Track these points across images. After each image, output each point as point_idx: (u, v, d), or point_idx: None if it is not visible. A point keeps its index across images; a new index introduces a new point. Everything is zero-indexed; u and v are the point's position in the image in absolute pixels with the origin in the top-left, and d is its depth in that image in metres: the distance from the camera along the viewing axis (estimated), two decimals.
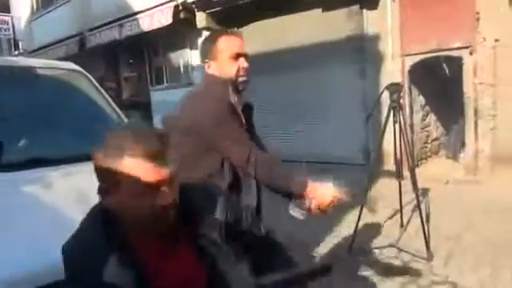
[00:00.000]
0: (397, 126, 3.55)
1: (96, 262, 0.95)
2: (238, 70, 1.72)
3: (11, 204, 1.70)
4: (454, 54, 5.94)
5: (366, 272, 3.28)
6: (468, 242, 3.76)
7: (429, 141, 7.24)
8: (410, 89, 6.56)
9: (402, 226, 4.06)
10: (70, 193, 1.92)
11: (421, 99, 6.88)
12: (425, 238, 3.47)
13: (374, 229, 4.17)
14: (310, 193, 1.55)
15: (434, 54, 6.11)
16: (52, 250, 1.40)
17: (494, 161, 5.76)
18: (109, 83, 11.41)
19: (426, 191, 5.15)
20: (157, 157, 0.94)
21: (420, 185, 5.13)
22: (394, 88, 3.46)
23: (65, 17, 12.60)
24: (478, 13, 5.62)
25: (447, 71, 6.18)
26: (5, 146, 2.14)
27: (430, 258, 3.39)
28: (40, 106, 2.43)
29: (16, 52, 15.02)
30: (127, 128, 1.07)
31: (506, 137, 5.65)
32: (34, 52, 13.75)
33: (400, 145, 3.65)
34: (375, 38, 6.72)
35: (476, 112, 5.87)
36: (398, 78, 5.95)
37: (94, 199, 1.88)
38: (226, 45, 1.73)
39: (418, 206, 3.58)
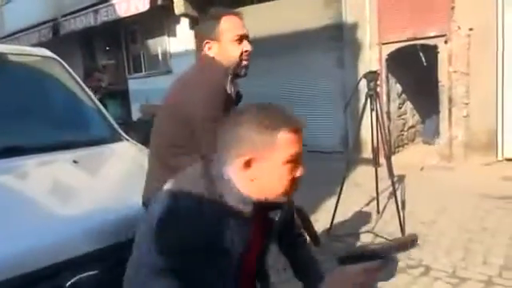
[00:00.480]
0: (374, 113, 3.60)
1: (211, 227, 0.99)
2: (242, 54, 1.62)
3: None
4: (430, 42, 6.04)
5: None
6: (442, 226, 3.87)
7: (405, 128, 7.38)
8: (387, 77, 6.65)
9: (378, 212, 4.15)
10: (45, 181, 1.89)
11: (397, 87, 6.99)
12: (400, 223, 3.56)
13: (351, 215, 4.25)
14: None
15: (411, 43, 6.20)
16: (23, 240, 1.39)
17: (467, 148, 5.92)
18: (98, 74, 11.12)
19: (401, 178, 5.26)
20: (299, 132, 1.06)
21: (396, 171, 5.23)
22: (371, 76, 3.50)
23: (37, 1, 12.18)
24: (453, 1, 5.71)
25: (423, 60, 6.29)
26: None
27: None
28: (13, 93, 2.37)
29: None
30: (275, 107, 1.10)
31: (478, 124, 5.82)
32: (4, 38, 13.28)
33: (377, 132, 3.71)
34: (353, 27, 6.76)
35: (450, 100, 6.01)
36: (375, 67, 6.02)
37: (70, 187, 1.87)
38: (230, 25, 1.62)
39: (394, 192, 3.66)
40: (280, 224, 1.19)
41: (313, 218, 4.39)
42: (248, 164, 1.03)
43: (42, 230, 1.47)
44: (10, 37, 13.11)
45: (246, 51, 1.63)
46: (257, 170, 1.03)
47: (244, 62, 1.64)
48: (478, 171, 5.44)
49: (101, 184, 1.94)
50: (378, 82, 3.56)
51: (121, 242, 1.52)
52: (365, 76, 3.55)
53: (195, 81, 1.60)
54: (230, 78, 1.63)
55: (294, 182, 1.07)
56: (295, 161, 1.05)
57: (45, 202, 1.71)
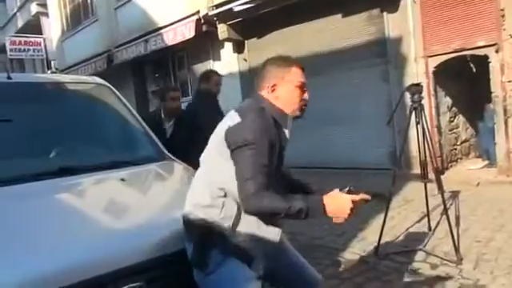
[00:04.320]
0: (419, 127, 3.50)
1: None
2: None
3: (43, 209, 1.80)
4: (479, 52, 5.81)
5: (409, 278, 3.20)
6: (500, 244, 3.64)
7: (458, 142, 7.07)
8: (435, 90, 6.45)
9: (429, 229, 3.98)
10: (96, 198, 2.02)
11: (447, 100, 6.75)
12: (453, 240, 3.38)
13: (402, 233, 4.10)
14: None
15: (458, 54, 6.00)
16: (77, 252, 1.49)
17: None
18: (173, 93, 11.58)
19: (456, 194, 5.03)
20: (303, 69, 1.73)
21: (451, 187, 4.99)
22: (415, 89, 3.42)
23: (93, 35, 13.08)
24: (502, 9, 5.49)
25: (474, 70, 6.04)
26: (38, 155, 2.27)
27: (459, 261, 3.31)
28: (68, 117, 2.56)
29: (49, 71, 15.65)
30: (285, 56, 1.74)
31: None
32: (65, 70, 14.30)
33: (424, 146, 3.59)
34: (397, 41, 6.66)
35: (505, 111, 5.71)
36: (422, 80, 5.86)
37: (117, 203, 1.98)
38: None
39: (444, 207, 3.50)
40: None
41: (360, 236, 4.28)
42: (273, 88, 1.66)
43: (95, 242, 1.58)
44: (70, 69, 14.10)
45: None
46: (279, 91, 1.66)
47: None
48: None
49: (143, 199, 2.05)
50: (422, 95, 3.46)
51: (166, 254, 1.61)
52: (408, 89, 3.48)
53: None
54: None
55: (304, 103, 1.71)
56: (302, 87, 1.69)
57: (97, 216, 1.83)
